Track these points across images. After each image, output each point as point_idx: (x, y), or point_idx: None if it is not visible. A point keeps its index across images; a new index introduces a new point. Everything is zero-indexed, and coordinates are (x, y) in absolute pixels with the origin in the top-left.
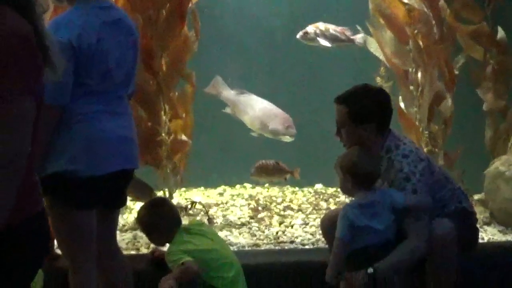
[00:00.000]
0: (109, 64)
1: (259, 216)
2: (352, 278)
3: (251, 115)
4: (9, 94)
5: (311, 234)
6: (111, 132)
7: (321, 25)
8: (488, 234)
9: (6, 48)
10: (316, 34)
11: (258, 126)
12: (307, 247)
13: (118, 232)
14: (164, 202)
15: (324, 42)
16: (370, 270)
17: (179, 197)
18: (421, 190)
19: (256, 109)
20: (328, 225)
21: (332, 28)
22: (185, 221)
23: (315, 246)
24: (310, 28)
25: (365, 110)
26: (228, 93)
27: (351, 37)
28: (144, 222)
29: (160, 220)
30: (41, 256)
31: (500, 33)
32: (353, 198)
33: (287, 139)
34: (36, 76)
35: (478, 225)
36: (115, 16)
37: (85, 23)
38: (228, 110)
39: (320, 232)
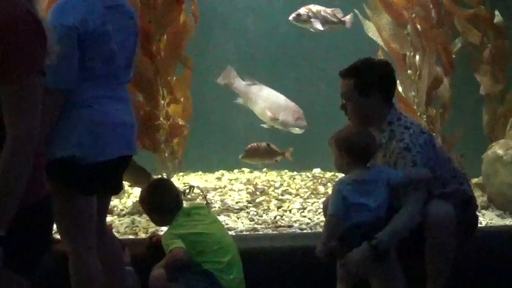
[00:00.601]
0: (112, 49)
1: (257, 200)
2: (353, 255)
3: (261, 107)
4: (19, 76)
5: (309, 219)
6: (115, 118)
7: (313, 7)
8: (486, 218)
9: (10, 29)
10: (309, 16)
11: (268, 118)
12: (305, 231)
13: (116, 217)
14: (167, 184)
15: (317, 25)
16: (374, 241)
17: (177, 182)
18: (420, 161)
19: (267, 100)
20: None
21: (324, 10)
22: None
23: (313, 230)
24: (303, 10)
25: (371, 81)
26: (239, 84)
27: (342, 19)
28: (146, 201)
29: (162, 200)
30: (48, 237)
31: (498, 17)
32: (346, 176)
33: (297, 131)
34: (43, 56)
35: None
36: (117, 1)
37: (89, 7)
38: (239, 100)
39: (318, 217)
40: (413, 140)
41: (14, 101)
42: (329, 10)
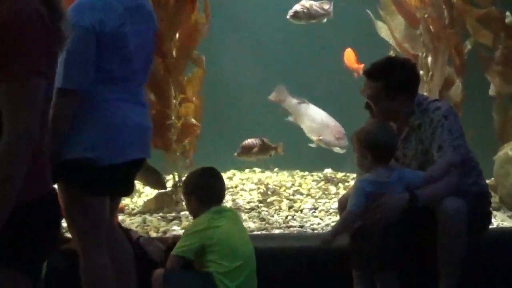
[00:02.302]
0: (130, 51)
1: (269, 200)
2: (391, 198)
3: (307, 125)
4: (18, 74)
5: (321, 219)
6: (130, 120)
7: (306, 3)
8: (498, 219)
9: (14, 27)
10: (304, 13)
11: (313, 137)
12: (316, 231)
13: (127, 216)
14: (218, 176)
15: (315, 20)
16: (416, 192)
17: None
18: (462, 146)
19: (311, 120)
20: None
21: (314, 4)
22: None
23: (325, 230)
24: (298, 7)
25: (399, 83)
26: (290, 102)
27: (329, 10)
28: (190, 182)
29: (205, 187)
30: (53, 235)
31: (509, 17)
32: (368, 174)
33: (338, 150)
34: (47, 57)
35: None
36: (137, 2)
37: (107, 7)
38: (291, 118)
39: (329, 217)
40: (455, 127)
41: (12, 99)
42: (317, 3)
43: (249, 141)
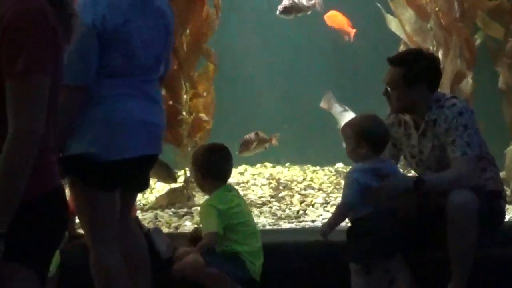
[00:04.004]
0: (134, 47)
1: (280, 195)
2: (396, 179)
3: None
4: (21, 72)
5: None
6: (134, 116)
7: None
8: (510, 213)
9: (16, 25)
10: (293, 7)
11: None
12: None
13: (139, 211)
14: (227, 151)
15: (301, 13)
16: (422, 177)
17: None
18: (475, 142)
19: None
20: None
21: None
22: None
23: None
24: (287, 2)
25: (418, 72)
26: (336, 110)
27: (316, 2)
28: (198, 158)
29: (215, 162)
30: (60, 231)
31: None
32: (360, 164)
33: None
34: (51, 54)
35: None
36: None
37: (111, 3)
38: (338, 126)
39: None
40: (469, 123)
41: (16, 96)
42: None
43: (246, 137)
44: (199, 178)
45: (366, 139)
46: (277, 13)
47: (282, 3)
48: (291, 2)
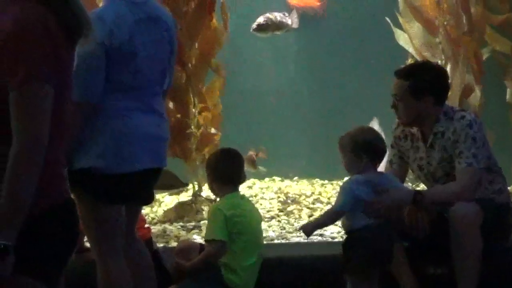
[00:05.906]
0: (140, 62)
1: (288, 209)
2: (396, 192)
3: None
4: (22, 82)
5: (340, 227)
6: (141, 129)
7: (270, 15)
8: None
9: (15, 34)
10: (268, 25)
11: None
12: (336, 240)
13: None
14: (239, 157)
15: (278, 31)
16: (421, 191)
17: (208, 190)
18: (483, 155)
19: None
20: None
21: (278, 15)
22: None
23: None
24: (262, 19)
25: (425, 85)
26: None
27: (293, 20)
28: (212, 161)
29: (226, 167)
30: (69, 244)
31: None
32: (358, 175)
33: None
34: (52, 62)
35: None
36: (151, 12)
37: (117, 19)
38: None
39: None
40: (478, 135)
41: (19, 107)
42: (281, 14)
43: (247, 155)
44: (210, 182)
45: (364, 151)
46: (251, 30)
47: (257, 20)
48: (266, 19)
